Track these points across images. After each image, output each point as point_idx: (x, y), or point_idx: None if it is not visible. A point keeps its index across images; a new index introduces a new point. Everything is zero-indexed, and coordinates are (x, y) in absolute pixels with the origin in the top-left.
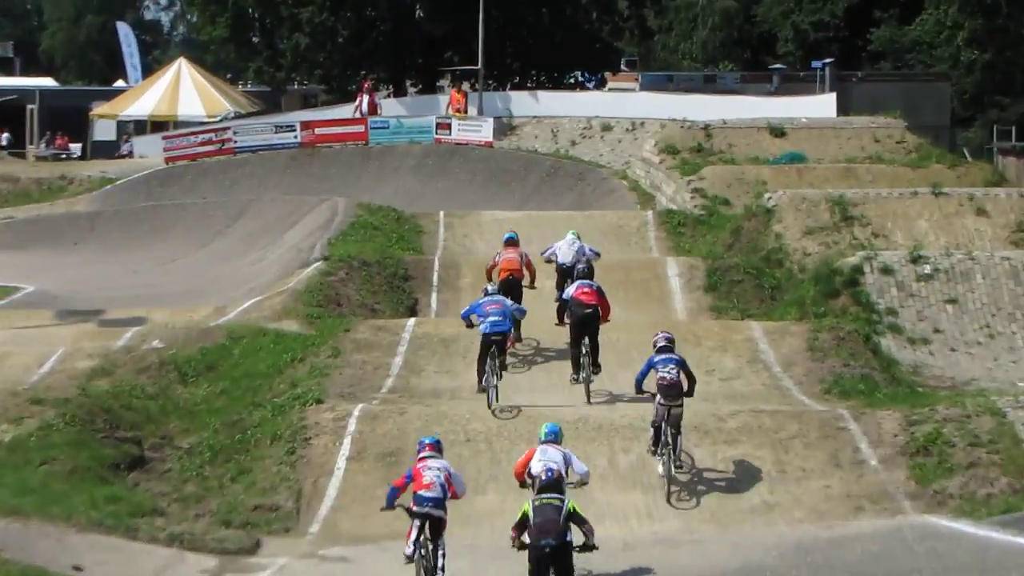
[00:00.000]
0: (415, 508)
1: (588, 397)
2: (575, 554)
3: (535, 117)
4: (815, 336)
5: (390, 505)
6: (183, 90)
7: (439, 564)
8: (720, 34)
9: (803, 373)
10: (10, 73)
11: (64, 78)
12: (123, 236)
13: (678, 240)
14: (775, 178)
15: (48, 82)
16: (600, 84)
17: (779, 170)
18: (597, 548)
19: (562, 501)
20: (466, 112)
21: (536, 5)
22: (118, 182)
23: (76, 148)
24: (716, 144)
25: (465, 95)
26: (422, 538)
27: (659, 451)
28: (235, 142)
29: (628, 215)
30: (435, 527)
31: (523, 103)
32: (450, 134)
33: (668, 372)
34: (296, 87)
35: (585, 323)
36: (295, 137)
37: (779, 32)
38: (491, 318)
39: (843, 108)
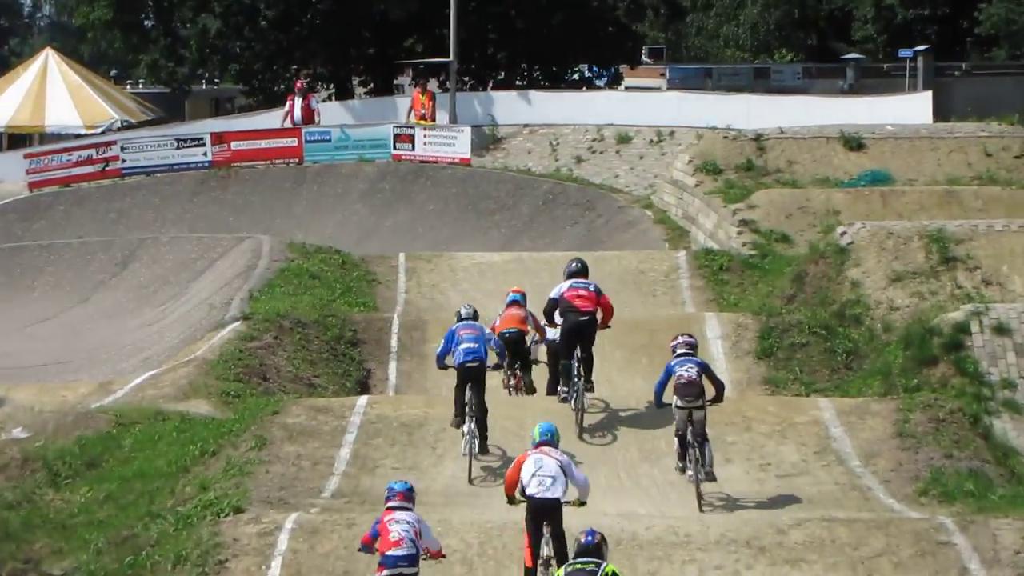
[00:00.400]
0: (385, 571)
1: (580, 429)
2: None
3: (527, 126)
4: (906, 417)
5: (367, 551)
6: (51, 92)
7: None
8: (776, 13)
9: (890, 467)
10: None
11: None
12: None
13: (721, 290)
14: (851, 206)
15: None
16: (615, 81)
17: (856, 195)
18: None
19: (598, 566)
20: (434, 119)
21: None
22: None
23: None
24: (771, 160)
25: (432, 97)
26: None
27: (687, 464)
28: (123, 161)
29: (654, 257)
30: None
31: (511, 107)
32: (413, 149)
33: (687, 371)
34: (205, 87)
35: (580, 332)
36: (204, 154)
37: (855, 10)
38: (464, 345)
39: (942, 111)
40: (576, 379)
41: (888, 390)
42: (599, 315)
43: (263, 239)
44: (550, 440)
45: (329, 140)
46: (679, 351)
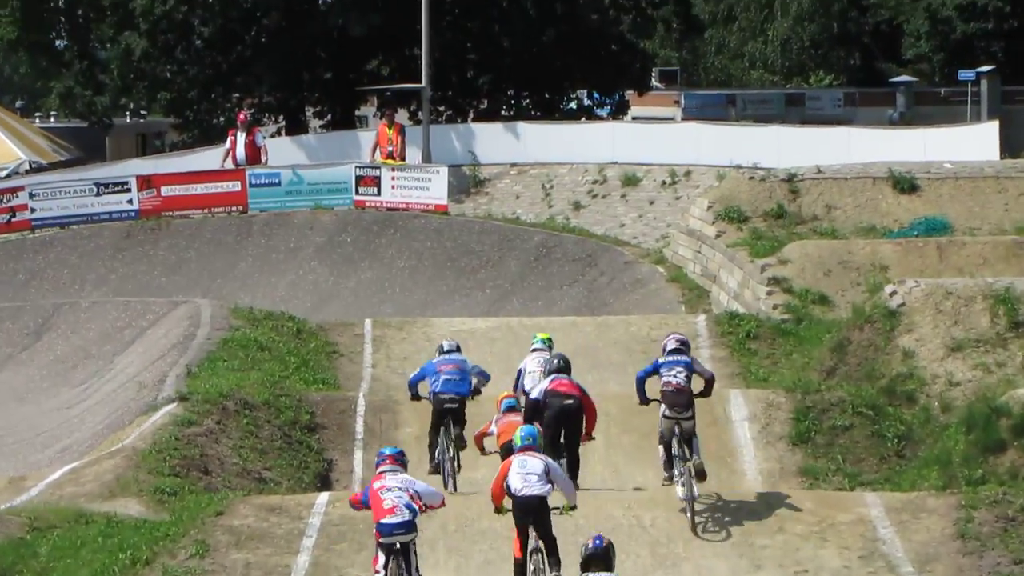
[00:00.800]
0: (381, 540)
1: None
2: None
3: (515, 165)
4: (968, 515)
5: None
6: None
7: None
8: (811, 27)
9: (950, 575)
10: None
11: None
12: None
13: (748, 362)
14: (902, 260)
15: None
16: (620, 110)
17: (909, 247)
18: None
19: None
20: (404, 158)
21: None
22: None
23: None
24: (807, 206)
25: (401, 130)
26: (391, 566)
27: (675, 473)
28: (32, 211)
29: (668, 322)
30: (405, 551)
31: (496, 142)
32: (379, 194)
33: (674, 376)
34: (129, 120)
35: (567, 415)
36: (130, 202)
37: (906, 23)
38: (444, 376)
39: (1011, 145)
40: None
41: (947, 482)
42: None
43: (202, 304)
44: (532, 444)
45: (279, 184)
46: (669, 347)
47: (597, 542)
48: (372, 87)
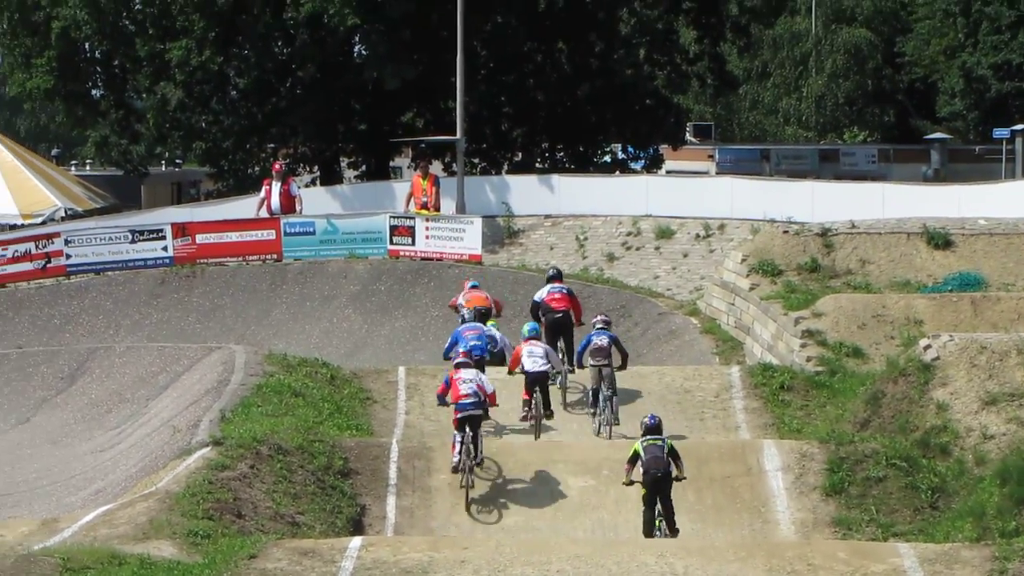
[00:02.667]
0: (458, 415)
1: (540, 418)
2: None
3: (549, 216)
4: (1003, 567)
5: (443, 404)
6: None
7: (480, 451)
8: (845, 84)
9: None
10: None
11: None
12: None
13: (781, 413)
14: (936, 315)
15: None
16: (654, 163)
17: (943, 302)
18: (685, 478)
19: (664, 441)
20: (438, 208)
21: (547, 39)
22: None
23: None
24: (841, 260)
25: (436, 181)
26: (465, 438)
27: (597, 412)
28: (68, 257)
29: (701, 373)
30: (475, 423)
31: (530, 194)
32: (413, 243)
33: (600, 340)
34: (164, 169)
35: (558, 325)
36: (165, 249)
37: (940, 81)
38: (471, 343)
39: None
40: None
41: (981, 534)
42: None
43: (236, 350)
44: (536, 335)
45: (313, 233)
46: (597, 326)
47: (652, 419)
48: (407, 139)
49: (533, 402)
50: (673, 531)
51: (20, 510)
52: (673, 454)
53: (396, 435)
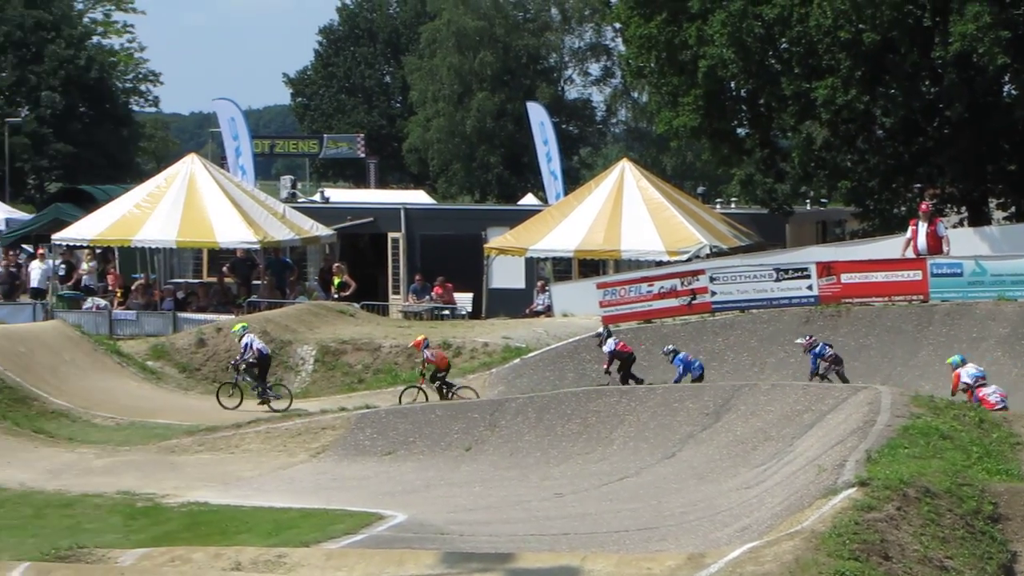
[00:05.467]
0: None
1: None
2: None
3: None
4: None
5: None
6: (627, 211)
7: None
8: None
9: None
10: (362, 183)
11: (443, 190)
12: (539, 436)
13: None
14: None
15: (418, 197)
16: None
17: None
18: None
19: None
20: None
21: None
22: (530, 354)
23: (465, 299)
24: None
25: None
26: None
27: None
28: (713, 294)
29: None
30: None
31: None
32: None
33: None
34: (809, 208)
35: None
36: (809, 288)
37: None
38: None
39: None
40: None
41: None
42: None
43: (882, 390)
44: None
45: (961, 274)
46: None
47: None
48: None
49: None
50: None
51: (667, 544)
52: None
53: None
